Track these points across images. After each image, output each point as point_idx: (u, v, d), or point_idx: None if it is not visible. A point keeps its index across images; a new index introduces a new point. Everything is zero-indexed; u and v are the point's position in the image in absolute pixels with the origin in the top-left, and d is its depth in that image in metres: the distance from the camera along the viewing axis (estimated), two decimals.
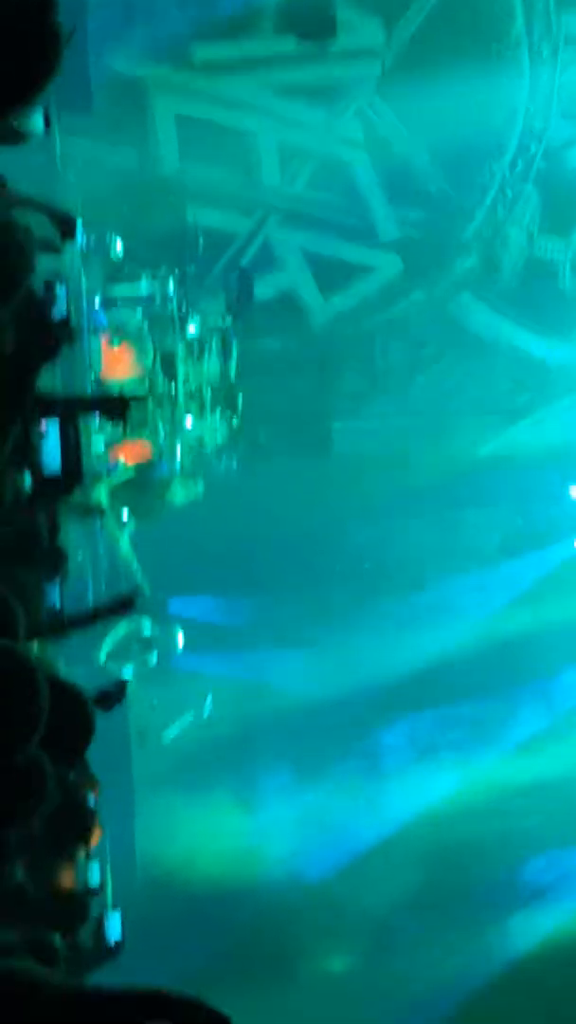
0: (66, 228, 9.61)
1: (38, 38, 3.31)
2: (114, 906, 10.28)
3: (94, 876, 9.73)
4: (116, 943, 9.96)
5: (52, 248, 9.86)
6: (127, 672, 19.59)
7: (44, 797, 5.54)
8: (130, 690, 19.84)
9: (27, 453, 7.77)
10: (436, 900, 21.03)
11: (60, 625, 9.78)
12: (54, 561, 9.71)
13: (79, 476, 7.76)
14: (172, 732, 19.51)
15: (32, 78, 3.40)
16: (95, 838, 8.84)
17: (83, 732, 6.47)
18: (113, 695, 8.92)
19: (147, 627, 19.99)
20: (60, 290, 8.50)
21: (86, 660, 17.71)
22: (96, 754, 6.67)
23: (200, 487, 19.38)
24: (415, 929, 20.98)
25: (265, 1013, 18.55)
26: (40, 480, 7.60)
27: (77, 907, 8.62)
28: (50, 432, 7.52)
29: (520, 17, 23.51)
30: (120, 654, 19.92)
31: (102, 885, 10.15)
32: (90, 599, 17.94)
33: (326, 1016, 19.35)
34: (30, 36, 3.27)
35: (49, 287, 8.63)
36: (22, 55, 3.30)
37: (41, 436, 7.60)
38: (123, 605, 9.89)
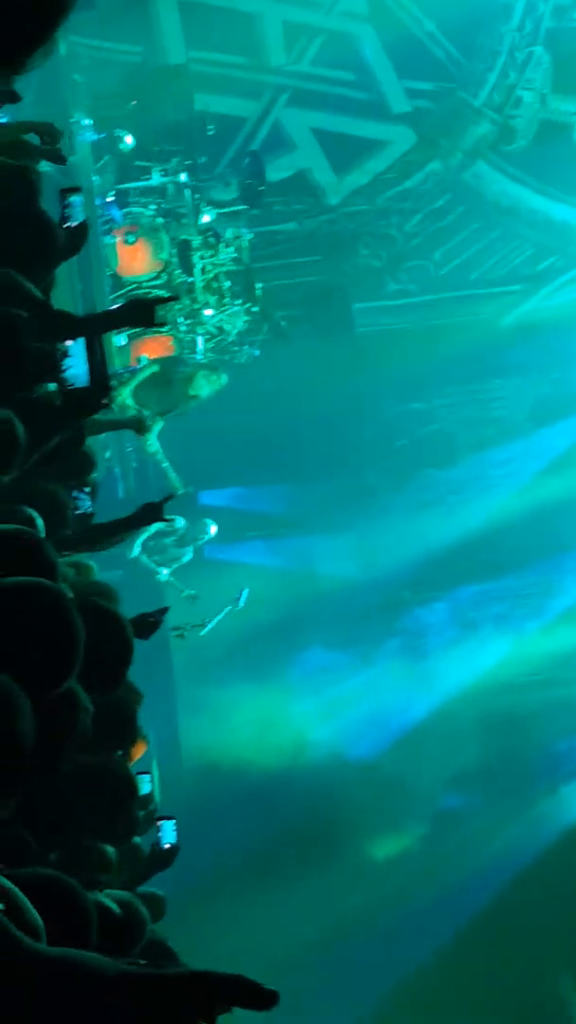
0: (50, 138, 9.54)
1: None
2: (163, 811, 10.30)
3: (143, 786, 9.76)
4: (171, 846, 10.00)
5: (59, 158, 9.76)
6: (161, 570, 19.63)
7: (78, 730, 5.54)
8: (165, 585, 20.04)
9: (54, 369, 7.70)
10: (485, 774, 21.16)
11: (92, 535, 9.73)
12: (80, 467, 9.65)
13: (107, 390, 7.67)
14: (210, 624, 19.51)
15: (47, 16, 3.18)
16: (139, 751, 8.86)
17: (122, 659, 6.46)
18: (152, 623, 8.86)
19: (179, 521, 19.93)
20: (76, 198, 8.38)
21: (119, 558, 17.75)
22: (135, 657, 6.67)
23: (224, 378, 19.22)
24: (465, 804, 21.14)
25: (319, 895, 18.79)
26: (67, 395, 7.53)
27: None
28: (74, 348, 7.42)
29: None
30: (153, 549, 19.93)
31: (151, 794, 10.18)
32: (121, 500, 18.00)
33: (379, 895, 19.55)
34: None
35: (64, 197, 8.50)
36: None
37: (65, 352, 7.51)
38: (153, 512, 9.81)
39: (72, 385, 7.33)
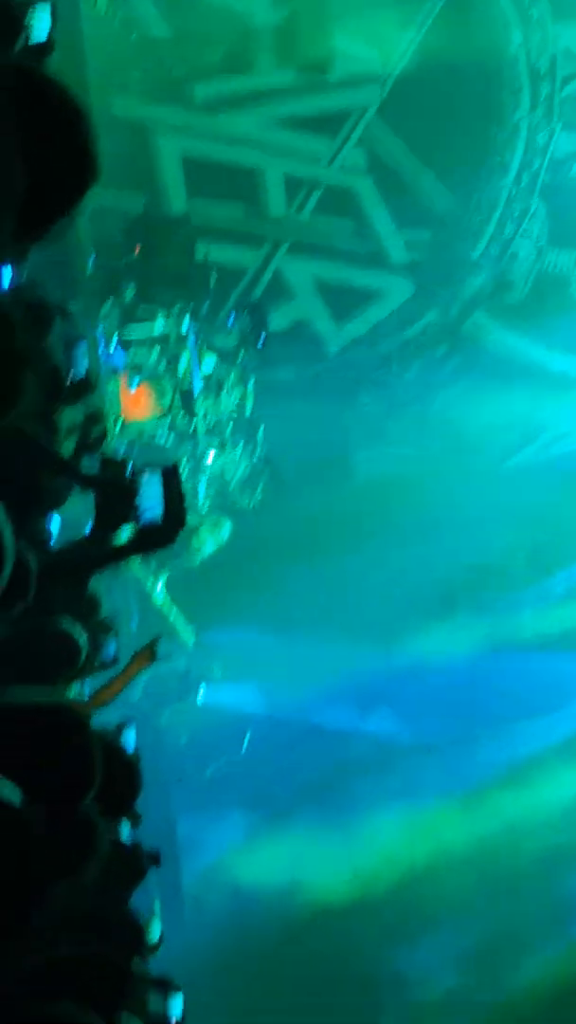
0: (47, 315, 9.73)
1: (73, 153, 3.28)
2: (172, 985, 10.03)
3: (155, 931, 9.64)
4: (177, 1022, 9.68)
5: (64, 312, 9.93)
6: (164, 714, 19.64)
7: (96, 849, 5.67)
8: (167, 727, 20.03)
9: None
10: None
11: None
12: (88, 608, 9.71)
13: (181, 525, 7.84)
14: (210, 770, 19.48)
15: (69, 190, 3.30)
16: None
17: (132, 788, 6.57)
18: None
19: (183, 664, 19.98)
20: (80, 350, 8.57)
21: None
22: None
23: (227, 529, 19.43)
24: None
25: None
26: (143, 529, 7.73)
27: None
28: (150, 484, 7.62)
29: (517, 34, 23.55)
30: (158, 693, 19.94)
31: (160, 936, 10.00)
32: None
33: None
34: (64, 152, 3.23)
35: (68, 348, 8.69)
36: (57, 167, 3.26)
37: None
38: (150, 653, 9.88)
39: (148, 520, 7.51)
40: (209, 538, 19.18)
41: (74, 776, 5.09)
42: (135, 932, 8.01)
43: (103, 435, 10.28)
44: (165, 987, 9.38)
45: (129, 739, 9.46)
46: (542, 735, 22.89)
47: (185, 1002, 9.62)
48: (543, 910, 20.87)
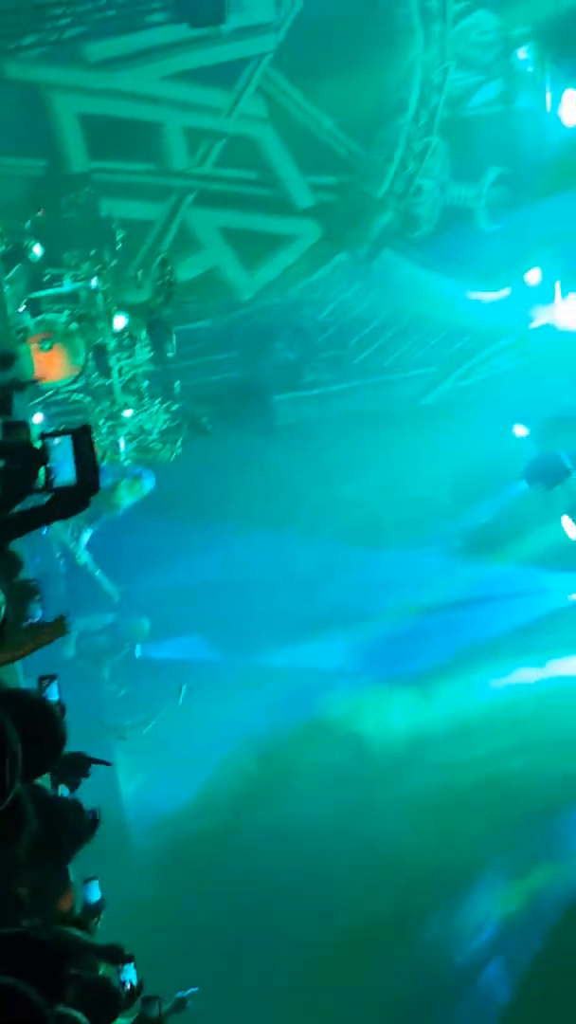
0: None
1: None
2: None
3: (93, 892, 9.85)
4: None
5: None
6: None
7: (26, 823, 5.86)
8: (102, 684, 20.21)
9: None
10: None
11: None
12: (9, 568, 9.87)
13: (95, 488, 7.93)
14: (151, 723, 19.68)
15: None
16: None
17: (56, 739, 6.65)
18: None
19: (111, 619, 20.17)
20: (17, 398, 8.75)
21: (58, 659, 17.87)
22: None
23: (149, 485, 19.62)
24: None
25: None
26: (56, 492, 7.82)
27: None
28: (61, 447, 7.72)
29: None
30: (90, 649, 20.13)
31: (101, 899, 10.14)
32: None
33: None
34: None
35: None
36: None
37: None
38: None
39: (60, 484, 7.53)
40: (127, 495, 19.34)
41: None
42: (68, 904, 8.15)
43: (8, 398, 10.46)
44: (113, 955, 9.37)
45: (52, 694, 9.63)
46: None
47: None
48: None
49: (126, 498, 19.52)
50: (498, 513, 24.43)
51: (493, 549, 24.11)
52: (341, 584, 22.84)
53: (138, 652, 20.93)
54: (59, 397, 20.03)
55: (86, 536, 18.57)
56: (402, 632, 22.92)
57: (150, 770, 20.27)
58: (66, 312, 19.98)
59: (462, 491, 24.54)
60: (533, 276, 25.12)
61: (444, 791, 20.78)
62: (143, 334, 20.99)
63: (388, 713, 22.43)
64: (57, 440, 7.64)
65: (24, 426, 8.63)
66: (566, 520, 24.64)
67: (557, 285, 25.18)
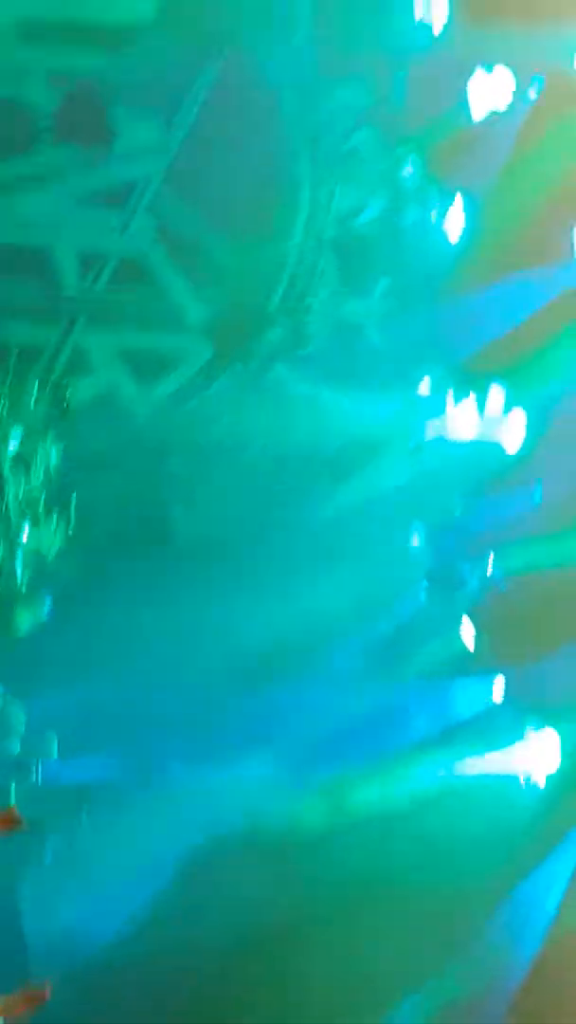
0: None
1: None
2: None
3: None
4: None
5: None
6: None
7: None
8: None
9: None
10: None
11: None
12: None
13: None
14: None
15: None
16: None
17: None
18: None
19: (16, 745, 20.03)
20: None
21: None
22: None
23: (47, 608, 19.51)
24: None
25: None
26: None
27: None
28: None
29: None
30: None
31: None
32: None
33: None
34: None
35: None
36: None
37: None
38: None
39: None
40: (26, 616, 19.23)
41: None
42: None
43: None
44: None
45: None
46: None
47: None
48: None
49: (24, 620, 19.41)
50: (397, 625, 24.47)
51: (394, 664, 24.13)
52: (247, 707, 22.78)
53: (40, 777, 20.73)
54: None
55: None
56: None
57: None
58: None
59: (363, 603, 24.59)
60: (424, 387, 25.33)
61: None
62: (39, 455, 20.97)
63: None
64: None
65: None
66: (464, 628, 24.74)
67: (449, 394, 25.40)
